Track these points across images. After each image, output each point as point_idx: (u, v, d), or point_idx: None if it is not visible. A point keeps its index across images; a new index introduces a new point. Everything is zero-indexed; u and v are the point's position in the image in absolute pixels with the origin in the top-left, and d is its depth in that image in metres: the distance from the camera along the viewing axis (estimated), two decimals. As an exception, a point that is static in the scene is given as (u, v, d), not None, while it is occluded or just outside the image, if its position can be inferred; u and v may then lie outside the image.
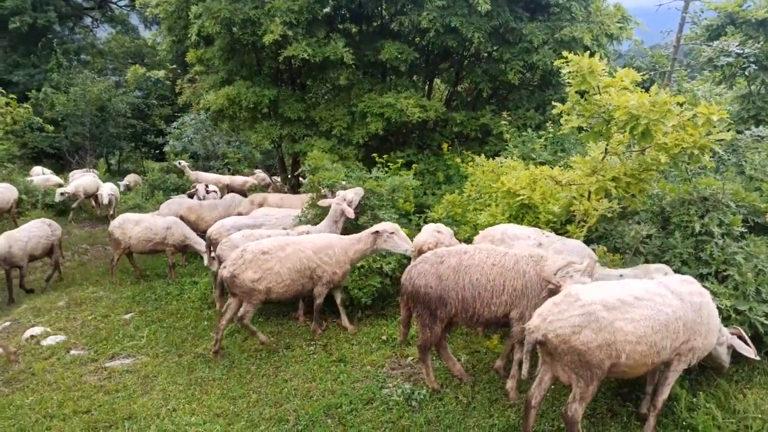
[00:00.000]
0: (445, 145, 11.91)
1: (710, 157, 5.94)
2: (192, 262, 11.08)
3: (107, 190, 14.67)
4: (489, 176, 8.35)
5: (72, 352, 7.04)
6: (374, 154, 10.71)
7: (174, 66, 26.69)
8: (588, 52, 6.48)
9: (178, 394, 5.84)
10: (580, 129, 6.58)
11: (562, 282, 4.71)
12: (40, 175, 17.78)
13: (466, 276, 5.08)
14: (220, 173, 19.04)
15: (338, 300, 7.10)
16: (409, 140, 12.95)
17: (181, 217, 10.85)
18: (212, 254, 8.31)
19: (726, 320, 5.01)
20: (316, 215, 8.29)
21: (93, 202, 15.76)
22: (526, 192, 7.23)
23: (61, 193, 14.68)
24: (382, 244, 6.62)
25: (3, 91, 18.78)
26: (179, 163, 16.90)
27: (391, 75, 13.15)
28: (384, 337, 6.74)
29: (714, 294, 5.01)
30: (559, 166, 7.91)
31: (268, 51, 12.03)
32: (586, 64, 6.09)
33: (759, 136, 8.53)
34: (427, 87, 14.04)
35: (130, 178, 19.23)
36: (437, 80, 15.02)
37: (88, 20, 32.57)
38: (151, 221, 10.02)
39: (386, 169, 9.88)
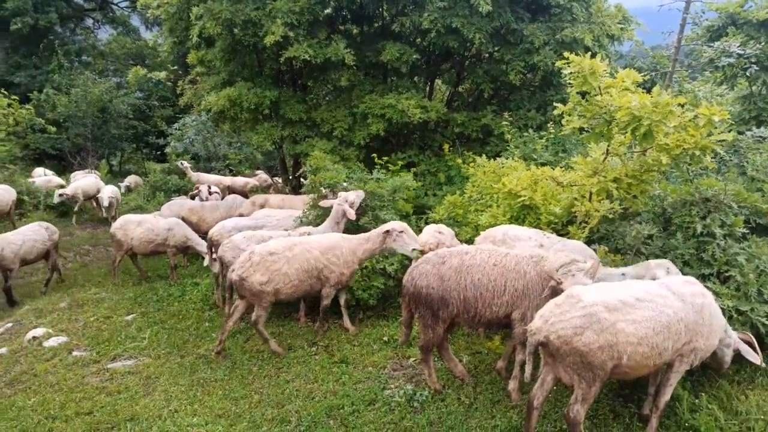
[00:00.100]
0: (446, 146, 11.92)
1: (712, 158, 5.94)
2: (193, 264, 11.09)
3: (108, 192, 14.67)
4: (490, 177, 8.35)
5: (74, 353, 7.05)
6: (374, 155, 10.73)
7: (175, 67, 26.72)
8: (589, 52, 6.49)
9: (180, 395, 5.85)
10: (581, 130, 6.59)
11: (564, 279, 4.71)
12: (42, 177, 17.82)
13: (468, 276, 5.09)
14: (221, 174, 19.05)
15: (342, 301, 7.10)
16: (410, 141, 12.96)
17: (183, 219, 10.86)
18: (213, 255, 8.32)
19: (728, 321, 5.00)
20: (317, 216, 8.30)
21: (95, 204, 15.78)
22: (528, 193, 7.23)
23: (60, 194, 14.70)
24: (391, 243, 6.60)
25: (5, 92, 18.83)
26: (181, 163, 16.91)
27: (392, 76, 13.16)
28: (386, 338, 6.74)
29: (716, 294, 5.01)
30: (561, 167, 7.91)
31: (269, 52, 12.05)
32: (587, 65, 6.09)
33: (760, 136, 8.52)
34: (428, 88, 14.05)
35: (131, 180, 19.27)
36: (438, 81, 15.03)
37: (89, 21, 32.67)
38: (153, 222, 10.03)
39: (385, 170, 9.88)
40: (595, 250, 6.03)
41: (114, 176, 23.61)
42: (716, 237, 5.58)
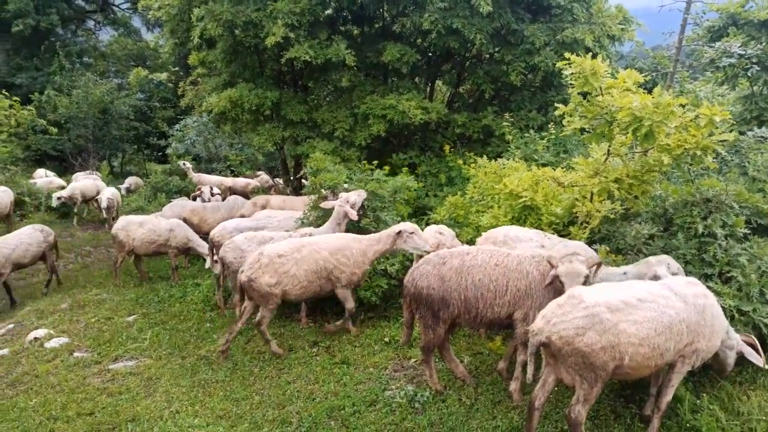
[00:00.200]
0: (447, 147, 11.93)
1: (713, 158, 5.93)
2: (195, 265, 11.09)
3: (107, 194, 14.67)
4: (491, 178, 8.35)
5: (75, 354, 7.05)
6: (375, 162, 10.74)
7: (176, 68, 26.77)
8: (590, 53, 6.48)
9: (181, 396, 5.85)
10: (582, 130, 6.58)
11: (561, 263, 4.76)
12: (43, 178, 17.84)
13: (469, 277, 5.09)
14: (222, 175, 19.06)
15: None
16: (411, 142, 12.97)
17: (184, 220, 10.86)
18: (215, 257, 8.32)
19: (729, 320, 4.99)
20: (318, 217, 8.30)
21: (95, 205, 15.79)
22: (529, 193, 7.23)
23: (58, 198, 14.66)
24: (402, 244, 6.60)
25: (6, 93, 18.87)
26: (184, 164, 16.91)
27: (393, 77, 13.17)
28: (387, 339, 6.74)
29: (718, 294, 4.99)
30: (562, 168, 7.91)
31: (270, 53, 12.07)
32: (588, 66, 6.08)
33: (762, 137, 8.51)
34: (429, 89, 14.06)
35: (131, 181, 19.28)
36: (439, 82, 15.04)
37: (90, 23, 32.73)
38: (154, 223, 10.03)
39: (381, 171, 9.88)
40: (596, 250, 6.02)
41: (115, 177, 23.64)
42: (718, 237, 5.57)
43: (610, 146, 6.48)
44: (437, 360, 5.82)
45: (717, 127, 5.70)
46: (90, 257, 12.69)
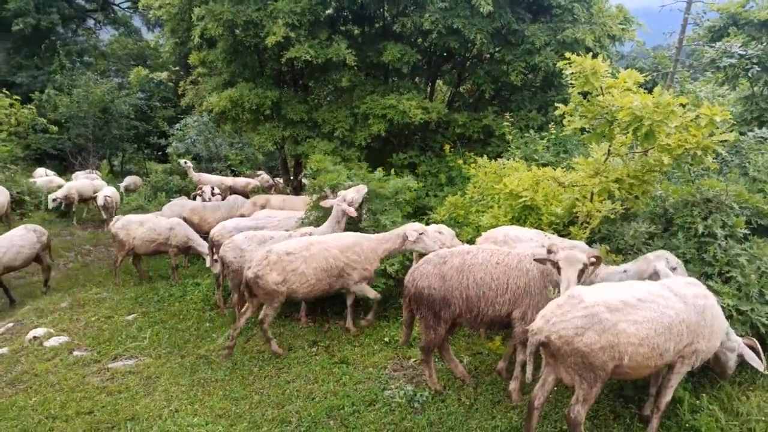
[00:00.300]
0: (447, 147, 11.92)
1: (713, 158, 5.92)
2: (194, 264, 11.10)
3: (105, 192, 14.65)
4: (491, 178, 8.35)
5: (75, 353, 7.05)
6: (379, 168, 10.73)
7: (177, 68, 26.76)
8: (590, 53, 6.48)
9: (180, 395, 5.85)
10: (582, 130, 6.58)
11: (559, 250, 4.80)
12: (44, 177, 17.84)
13: (470, 275, 5.09)
14: (222, 175, 19.06)
15: (350, 301, 7.09)
16: (411, 142, 12.96)
17: (184, 219, 10.86)
18: (215, 256, 8.32)
19: (728, 319, 4.99)
20: (318, 217, 8.29)
21: (95, 204, 15.79)
22: (529, 193, 7.22)
23: (53, 199, 14.58)
24: (410, 245, 6.62)
25: (6, 92, 18.88)
26: (185, 162, 16.89)
27: (394, 77, 13.16)
28: (386, 339, 6.74)
29: (717, 293, 4.99)
30: (562, 168, 7.90)
31: (270, 53, 12.06)
32: (588, 65, 6.08)
33: (762, 137, 8.50)
34: (429, 88, 14.05)
35: (130, 180, 19.27)
36: (439, 82, 15.03)
37: (90, 22, 32.74)
38: (155, 222, 10.03)
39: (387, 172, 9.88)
40: (596, 249, 6.02)
41: (115, 176, 23.64)
42: (717, 238, 5.56)
43: (610, 146, 6.47)
44: (437, 360, 5.82)
45: (717, 128, 5.70)
46: (90, 256, 12.70)
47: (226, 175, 19.19)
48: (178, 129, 22.36)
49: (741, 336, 4.81)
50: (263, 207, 10.87)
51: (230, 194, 14.33)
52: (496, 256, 5.18)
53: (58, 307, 8.86)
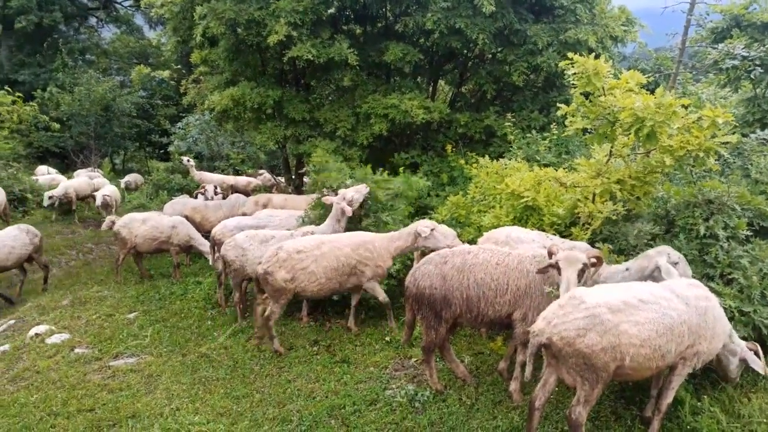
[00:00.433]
0: (449, 147, 11.92)
1: (715, 160, 5.92)
2: (196, 262, 11.11)
3: (103, 192, 14.61)
4: (493, 178, 8.35)
5: (76, 350, 7.06)
6: (382, 169, 10.73)
7: (179, 66, 26.78)
8: (593, 54, 6.47)
9: (181, 393, 5.85)
10: (584, 131, 6.58)
11: (563, 251, 4.79)
12: (45, 175, 17.86)
13: (471, 275, 5.09)
14: (224, 174, 19.06)
15: (354, 301, 7.09)
16: (413, 141, 12.96)
17: (186, 217, 10.87)
18: (216, 254, 8.33)
19: (730, 321, 4.99)
20: (319, 216, 8.29)
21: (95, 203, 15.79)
22: (531, 194, 7.23)
23: (50, 197, 14.46)
24: (422, 241, 6.60)
25: (9, 90, 18.90)
26: (187, 160, 16.90)
27: (396, 76, 13.16)
28: (387, 339, 6.74)
29: (719, 294, 4.99)
30: (564, 168, 7.90)
31: (272, 52, 12.06)
32: (591, 66, 6.08)
33: (764, 139, 8.48)
34: (431, 88, 14.04)
35: (131, 178, 19.27)
36: (441, 81, 15.02)
37: (93, 20, 32.80)
38: (157, 220, 10.04)
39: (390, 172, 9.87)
40: (599, 248, 6.01)
41: (117, 174, 23.68)
42: (719, 239, 5.56)
43: (612, 147, 6.47)
44: (438, 360, 5.82)
45: (720, 129, 5.69)
46: (92, 254, 12.71)
47: (228, 174, 19.19)
48: (179, 127, 22.36)
49: (744, 340, 4.81)
50: (265, 206, 10.88)
51: (232, 193, 14.34)
52: (496, 257, 5.18)
53: (59, 305, 8.88)
